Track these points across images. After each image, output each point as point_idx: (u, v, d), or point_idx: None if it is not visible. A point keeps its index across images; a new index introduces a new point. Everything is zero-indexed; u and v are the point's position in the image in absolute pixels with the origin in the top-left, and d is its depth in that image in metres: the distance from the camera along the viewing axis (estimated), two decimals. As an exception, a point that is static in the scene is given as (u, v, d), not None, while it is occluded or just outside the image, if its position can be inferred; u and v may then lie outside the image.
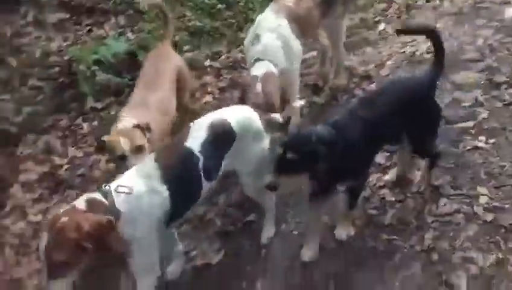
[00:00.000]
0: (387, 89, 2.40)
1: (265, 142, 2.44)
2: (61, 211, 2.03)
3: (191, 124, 2.36)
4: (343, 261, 2.37)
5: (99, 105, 4.06)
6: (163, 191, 2.15)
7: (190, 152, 2.24)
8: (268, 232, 2.62)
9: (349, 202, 2.39)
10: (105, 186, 2.11)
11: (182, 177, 2.21)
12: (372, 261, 2.33)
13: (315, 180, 2.20)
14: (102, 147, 2.67)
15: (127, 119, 2.74)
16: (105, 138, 2.63)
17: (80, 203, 2.06)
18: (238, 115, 2.39)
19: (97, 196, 2.08)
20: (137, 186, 2.12)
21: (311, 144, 2.07)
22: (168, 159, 2.23)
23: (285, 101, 3.00)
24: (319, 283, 2.33)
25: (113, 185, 2.12)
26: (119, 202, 2.07)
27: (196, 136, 2.28)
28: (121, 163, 2.57)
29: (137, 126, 2.64)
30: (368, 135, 2.20)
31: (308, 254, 2.42)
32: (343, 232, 2.46)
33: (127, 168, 2.35)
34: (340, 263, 2.37)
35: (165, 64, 3.14)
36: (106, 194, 2.08)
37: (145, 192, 2.12)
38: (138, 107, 2.88)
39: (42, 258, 1.95)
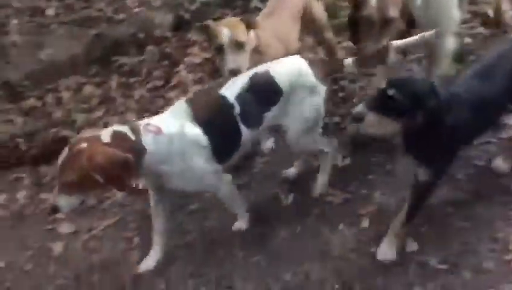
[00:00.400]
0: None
1: (319, 97, 2.35)
2: (87, 135, 2.08)
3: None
4: (468, 193, 2.36)
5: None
6: (196, 130, 2.17)
7: (223, 98, 2.24)
8: (319, 185, 2.57)
9: (409, 207, 2.10)
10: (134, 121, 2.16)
11: (214, 120, 2.21)
12: (499, 198, 2.28)
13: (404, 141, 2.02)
14: (201, 29, 2.63)
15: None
16: (209, 22, 2.60)
17: (106, 133, 2.05)
18: (285, 69, 2.32)
19: (126, 129, 2.07)
20: (169, 126, 2.14)
21: (423, 91, 1.87)
22: (200, 102, 2.24)
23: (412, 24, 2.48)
24: (436, 208, 2.36)
25: (143, 122, 2.15)
26: (147, 140, 2.07)
27: (233, 85, 2.28)
28: (218, 56, 2.52)
29: (244, 21, 2.54)
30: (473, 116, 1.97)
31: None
32: (386, 251, 2.16)
33: (223, 63, 2.44)
34: (463, 193, 2.36)
35: None
36: (135, 130, 2.07)
37: (176, 132, 2.13)
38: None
39: (58, 170, 2.05)
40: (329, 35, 3.27)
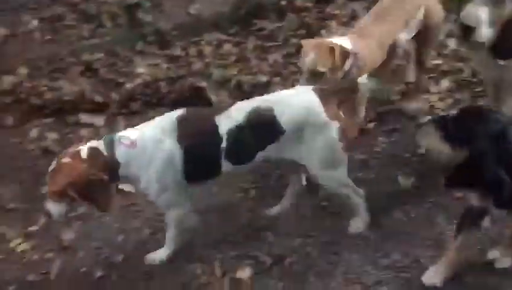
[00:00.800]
0: None
1: (330, 134, 2.17)
2: (72, 150, 2.15)
3: (237, 103, 2.23)
4: None
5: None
6: (175, 148, 2.13)
7: (214, 129, 2.14)
8: (358, 222, 2.40)
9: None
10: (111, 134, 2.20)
11: (197, 146, 2.15)
12: None
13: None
14: (298, 49, 2.62)
15: (341, 39, 2.56)
16: (303, 41, 2.54)
17: (84, 149, 2.12)
18: (291, 108, 2.16)
19: (100, 145, 2.13)
20: (146, 138, 2.13)
21: (477, 130, 1.82)
22: (191, 123, 2.18)
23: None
24: None
25: (119, 134, 2.17)
26: (120, 153, 2.11)
27: (231, 116, 2.16)
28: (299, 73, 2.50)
29: (332, 49, 2.39)
30: None
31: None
32: (500, 256, 2.10)
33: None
34: None
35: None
36: (109, 144, 2.12)
37: (153, 143, 2.12)
38: (359, 34, 2.71)
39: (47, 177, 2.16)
40: (427, 49, 2.95)
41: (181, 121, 2.17)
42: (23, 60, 3.91)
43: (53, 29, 4.35)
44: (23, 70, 3.81)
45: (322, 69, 2.37)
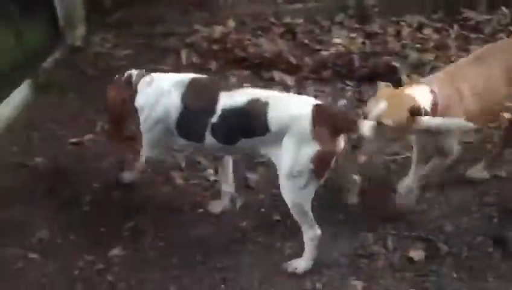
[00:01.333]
0: None
1: (307, 151, 2.04)
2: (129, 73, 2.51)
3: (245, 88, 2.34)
4: None
5: None
6: (176, 102, 2.28)
7: (213, 101, 2.21)
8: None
9: None
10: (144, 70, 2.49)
11: (193, 111, 2.27)
12: None
13: None
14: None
15: (420, 89, 2.23)
16: (382, 88, 2.26)
17: (128, 75, 2.50)
18: (283, 110, 2.11)
19: (135, 75, 2.47)
20: (162, 84, 2.36)
21: None
22: (198, 88, 2.31)
23: None
24: None
25: (150, 74, 2.45)
26: (140, 87, 2.42)
27: (233, 98, 2.19)
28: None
29: (412, 110, 2.06)
30: None
31: None
32: None
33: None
34: None
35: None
36: (138, 76, 2.45)
37: (161, 91, 2.33)
38: (448, 76, 2.34)
39: None
40: None
41: (192, 83, 2.34)
42: (232, 14, 4.28)
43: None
44: (231, 24, 4.18)
45: (387, 122, 2.12)
